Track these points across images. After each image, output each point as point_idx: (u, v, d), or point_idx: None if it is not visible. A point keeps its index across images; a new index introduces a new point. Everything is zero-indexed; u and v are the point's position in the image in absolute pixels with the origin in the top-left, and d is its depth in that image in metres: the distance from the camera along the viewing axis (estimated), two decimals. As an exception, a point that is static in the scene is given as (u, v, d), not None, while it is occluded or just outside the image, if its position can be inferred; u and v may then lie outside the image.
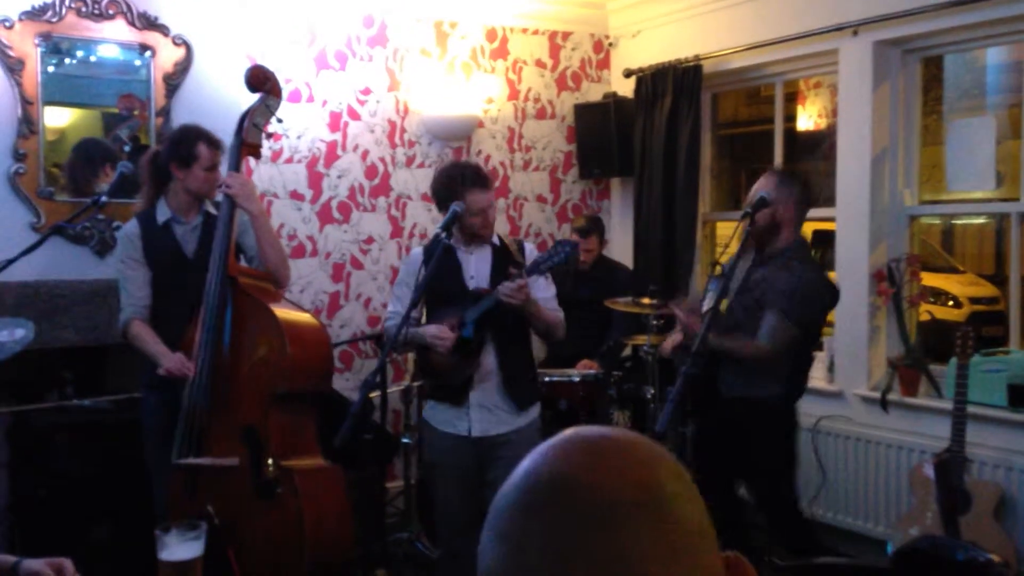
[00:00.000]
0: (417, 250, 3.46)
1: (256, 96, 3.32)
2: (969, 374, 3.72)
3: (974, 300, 8.33)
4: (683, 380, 2.60)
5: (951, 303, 8.24)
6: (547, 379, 4.40)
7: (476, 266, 3.32)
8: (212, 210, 3.40)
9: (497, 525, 0.77)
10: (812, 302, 3.30)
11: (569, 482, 0.75)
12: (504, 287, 3.06)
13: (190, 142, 3.32)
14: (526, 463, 0.79)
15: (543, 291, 3.30)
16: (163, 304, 3.36)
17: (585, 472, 0.75)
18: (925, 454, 4.04)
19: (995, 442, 3.94)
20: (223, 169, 3.36)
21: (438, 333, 3.17)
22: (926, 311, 4.69)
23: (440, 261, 3.13)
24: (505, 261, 3.29)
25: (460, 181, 3.22)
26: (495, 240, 3.37)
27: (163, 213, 3.39)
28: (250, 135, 3.27)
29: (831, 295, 3.43)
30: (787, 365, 3.33)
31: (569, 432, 0.81)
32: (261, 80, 3.31)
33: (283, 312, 3.13)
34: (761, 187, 3.34)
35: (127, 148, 4.30)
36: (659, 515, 0.73)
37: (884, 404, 4.21)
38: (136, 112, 4.38)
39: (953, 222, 9.67)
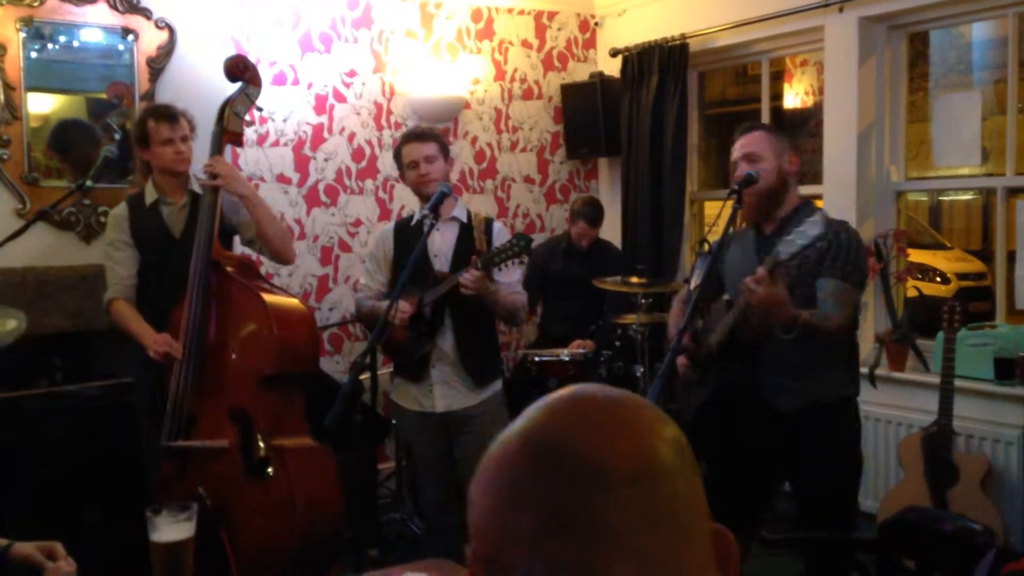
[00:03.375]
0: (389, 226, 3.57)
1: (236, 85, 3.32)
2: (956, 348, 3.75)
3: (961, 276, 8.37)
4: (671, 356, 2.59)
5: (938, 279, 8.28)
6: (537, 359, 4.42)
7: (440, 243, 3.36)
8: (198, 190, 3.41)
9: (489, 479, 0.77)
10: (863, 260, 2.81)
11: (564, 448, 0.74)
12: (464, 277, 3.09)
13: (141, 122, 3.42)
14: (524, 420, 0.78)
15: (507, 276, 3.30)
16: (151, 284, 3.38)
17: (581, 440, 0.74)
18: (913, 428, 4.07)
19: (982, 415, 3.97)
20: (195, 152, 3.39)
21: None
22: (913, 287, 4.71)
23: (415, 239, 3.18)
24: (470, 241, 3.34)
25: (402, 140, 3.43)
26: (462, 217, 3.41)
27: (151, 194, 3.44)
28: (231, 124, 3.28)
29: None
30: (846, 351, 2.85)
31: (570, 392, 0.80)
32: (240, 69, 3.31)
33: (269, 295, 3.15)
34: (750, 145, 2.85)
35: (117, 136, 4.28)
36: (650, 488, 0.73)
37: (872, 379, 4.23)
38: (125, 100, 4.35)
39: (940, 198, 9.71)
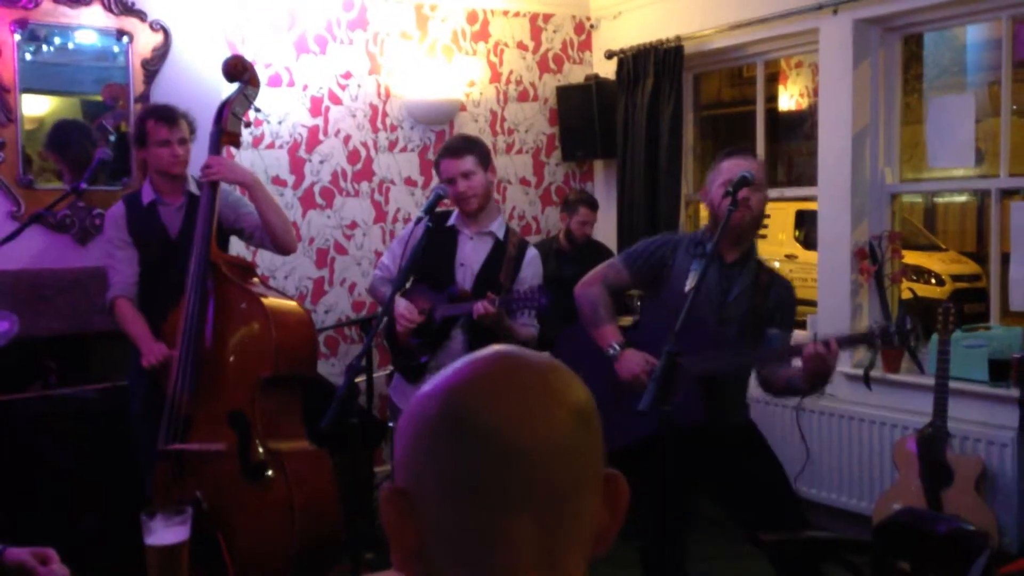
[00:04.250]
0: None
1: (234, 86, 3.32)
2: (951, 350, 3.76)
3: (956, 277, 8.40)
4: (666, 359, 2.58)
5: (933, 281, 8.31)
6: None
7: (470, 255, 3.28)
8: (196, 191, 3.41)
9: (411, 424, 0.84)
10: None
11: (476, 417, 0.81)
12: (479, 307, 3.00)
13: (140, 122, 3.41)
14: (449, 377, 0.85)
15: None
16: (149, 285, 3.39)
17: (493, 411, 0.81)
18: (908, 430, 4.08)
19: (976, 416, 3.98)
20: (194, 154, 3.39)
21: (406, 312, 3.17)
22: (908, 288, 4.72)
23: (444, 239, 3.17)
24: (499, 262, 3.24)
25: (439, 155, 3.30)
26: (499, 233, 3.30)
27: (148, 194, 3.44)
28: (229, 124, 3.29)
29: None
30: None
31: (492, 358, 0.85)
32: (239, 70, 3.31)
33: (267, 297, 3.15)
34: (756, 170, 2.87)
35: (112, 138, 4.28)
36: (551, 462, 0.80)
37: (867, 381, 4.24)
38: (121, 102, 4.35)
39: (935, 200, 9.74)
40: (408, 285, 3.38)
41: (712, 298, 2.85)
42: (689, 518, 3.10)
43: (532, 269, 3.28)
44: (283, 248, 3.48)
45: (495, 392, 0.82)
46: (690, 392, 2.74)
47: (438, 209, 3.44)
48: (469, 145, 3.27)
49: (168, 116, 3.39)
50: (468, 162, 3.21)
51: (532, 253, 3.33)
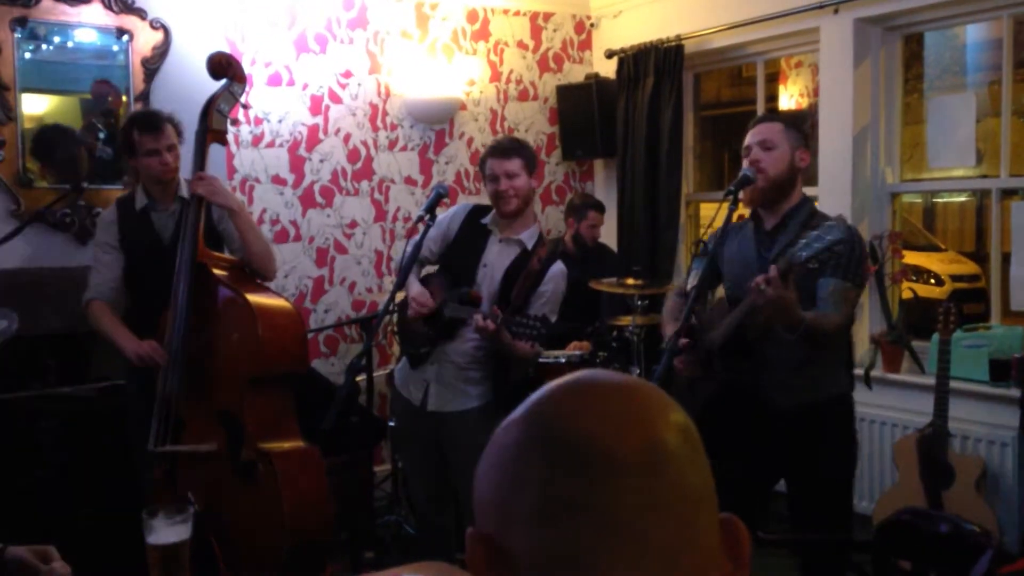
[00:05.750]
0: (466, 205, 3.41)
1: (219, 83, 3.30)
2: (951, 350, 3.76)
3: (956, 278, 8.38)
4: (667, 358, 2.59)
5: (933, 281, 8.30)
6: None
7: (495, 258, 3.23)
8: (188, 195, 3.39)
9: (494, 459, 0.77)
10: (865, 260, 2.84)
11: (570, 433, 0.74)
12: (476, 320, 2.95)
13: (126, 132, 3.36)
14: (531, 403, 0.78)
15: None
16: (141, 290, 3.37)
17: (588, 425, 0.74)
18: (908, 429, 4.08)
19: (977, 416, 3.98)
20: (184, 154, 3.37)
21: (419, 296, 3.16)
22: (908, 288, 4.72)
23: (478, 238, 3.20)
24: (519, 272, 3.19)
25: (486, 152, 3.27)
26: (528, 244, 3.24)
27: (141, 199, 3.41)
28: (214, 122, 3.24)
29: None
30: (843, 349, 2.90)
31: (577, 377, 0.79)
32: (224, 66, 3.29)
33: (254, 296, 3.11)
34: (766, 133, 2.80)
35: (102, 135, 4.26)
36: (655, 477, 0.72)
37: (867, 380, 4.24)
38: (110, 99, 4.34)
39: (934, 200, 9.73)
40: (434, 269, 3.36)
41: (747, 265, 2.79)
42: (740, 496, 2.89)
43: (553, 284, 3.22)
44: (260, 275, 3.36)
45: (588, 406, 0.75)
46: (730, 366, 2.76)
47: (480, 204, 3.43)
48: (519, 147, 3.25)
49: (152, 124, 3.31)
50: (515, 163, 3.18)
51: (557, 268, 3.25)
